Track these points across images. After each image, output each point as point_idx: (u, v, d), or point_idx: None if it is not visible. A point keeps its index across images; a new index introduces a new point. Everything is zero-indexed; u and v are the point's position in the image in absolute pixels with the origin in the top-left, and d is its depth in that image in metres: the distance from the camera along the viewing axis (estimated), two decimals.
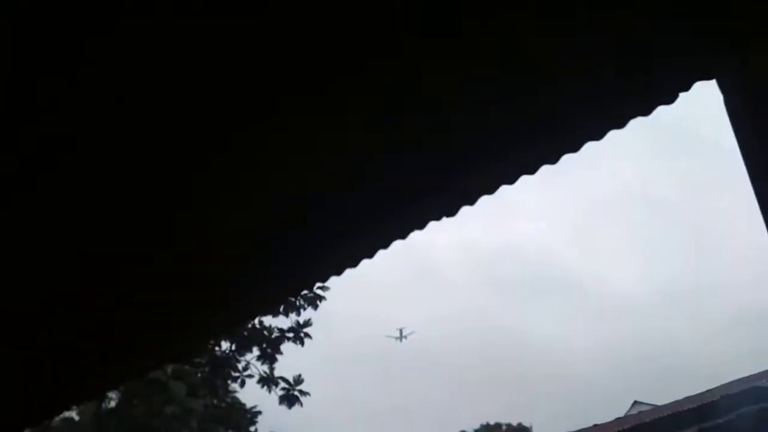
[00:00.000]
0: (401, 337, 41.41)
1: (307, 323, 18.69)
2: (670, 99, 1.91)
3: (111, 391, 14.19)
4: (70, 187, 2.11)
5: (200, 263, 2.55)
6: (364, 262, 2.75)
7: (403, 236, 2.64)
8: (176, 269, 2.56)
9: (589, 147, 2.22)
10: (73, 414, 16.43)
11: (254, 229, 2.45)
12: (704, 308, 69.82)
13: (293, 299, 18.44)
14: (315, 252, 2.62)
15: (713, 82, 1.79)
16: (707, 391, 14.11)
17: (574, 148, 2.15)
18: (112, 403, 16.50)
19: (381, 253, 2.70)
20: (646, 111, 1.96)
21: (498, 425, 41.88)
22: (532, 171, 2.31)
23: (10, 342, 2.58)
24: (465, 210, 2.55)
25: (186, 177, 2.21)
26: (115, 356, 2.67)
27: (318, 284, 18.44)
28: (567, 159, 2.29)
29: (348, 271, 2.80)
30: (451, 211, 2.51)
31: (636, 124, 2.08)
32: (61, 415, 16.17)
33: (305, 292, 18.54)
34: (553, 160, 2.22)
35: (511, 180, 2.38)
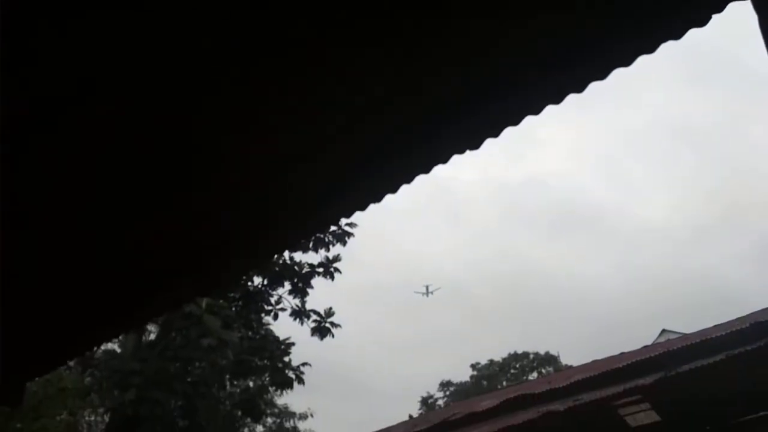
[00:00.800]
0: (428, 292, 44.44)
1: (337, 258, 19.00)
2: (702, 21, 1.81)
3: (150, 322, 14.73)
4: (98, 128, 2.13)
5: (226, 199, 2.58)
6: (388, 197, 2.75)
7: (427, 170, 2.63)
8: (205, 205, 2.60)
9: (619, 75, 2.14)
10: (115, 346, 17.18)
11: (278, 164, 2.46)
12: (734, 239, 68.93)
13: (322, 236, 18.68)
14: (339, 186, 2.63)
15: (748, 3, 1.68)
16: (736, 319, 14.09)
17: (601, 75, 2.08)
18: (152, 336, 17.19)
19: (405, 188, 2.69)
20: (677, 34, 1.86)
21: (525, 354, 42.66)
22: (557, 100, 2.25)
23: (53, 278, 2.68)
24: (490, 143, 2.51)
25: (210, 113, 2.21)
26: (152, 288, 2.76)
27: (345, 220, 18.63)
28: (595, 89, 2.21)
29: (372, 207, 2.82)
30: (475, 144, 2.48)
31: (668, 49, 1.99)
32: (103, 347, 16.91)
33: (333, 228, 18.73)
34: (580, 88, 2.15)
35: (536, 110, 2.32)
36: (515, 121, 2.39)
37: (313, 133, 2.34)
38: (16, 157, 2.12)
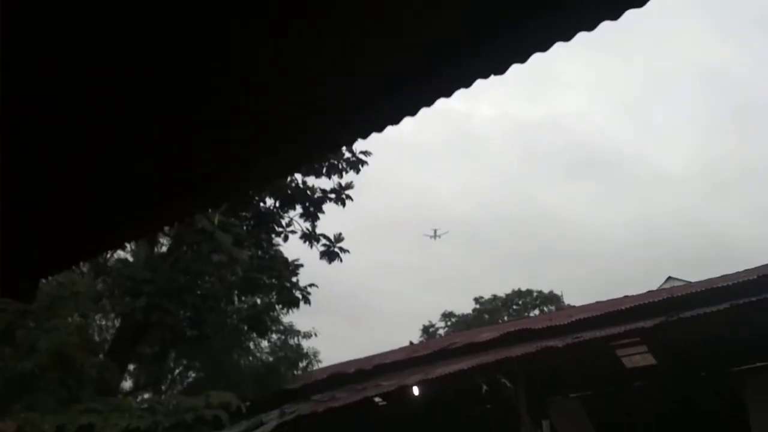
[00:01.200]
0: (435, 235, 46.83)
1: (349, 185, 18.97)
2: None
3: (161, 231, 14.94)
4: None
5: (242, 112, 2.53)
6: (408, 129, 2.70)
7: (448, 94, 2.55)
8: (219, 119, 2.56)
9: (637, 16, 2.02)
10: (128, 255, 17.58)
11: (296, 78, 2.39)
12: (750, 193, 68.11)
13: (336, 161, 18.62)
14: (358, 105, 2.57)
15: None
16: (744, 270, 14.08)
17: (614, 15, 1.98)
18: (164, 249, 17.53)
19: (423, 123, 2.63)
20: None
21: (529, 291, 43.20)
22: (566, 37, 2.16)
23: (64, 179, 2.68)
24: (511, 79, 2.43)
25: (226, 27, 2.13)
26: (165, 196, 2.76)
27: (359, 148, 18.49)
28: (620, 30, 2.11)
29: (389, 141, 2.76)
30: (500, 68, 2.39)
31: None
32: (116, 256, 17.29)
33: (347, 155, 18.65)
34: (590, 26, 2.06)
35: (567, 37, 2.23)
36: (543, 47, 2.30)
37: (344, 47, 2.26)
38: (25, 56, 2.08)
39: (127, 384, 19.45)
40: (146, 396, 19.17)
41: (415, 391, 15.48)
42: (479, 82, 2.49)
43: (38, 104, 2.32)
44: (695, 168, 77.84)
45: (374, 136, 2.87)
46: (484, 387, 17.10)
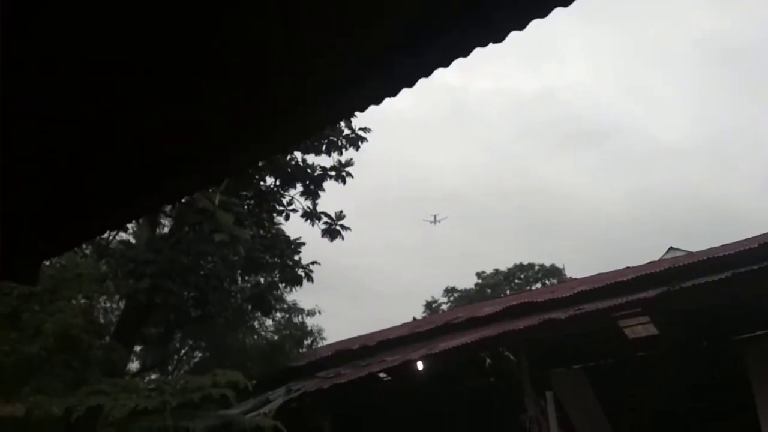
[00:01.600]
0: (435, 221, 48.37)
1: (349, 163, 18.89)
2: None
3: (160, 209, 14.92)
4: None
5: (235, 87, 2.50)
6: (405, 105, 2.66)
7: (446, 63, 2.51)
8: (210, 93, 2.53)
9: None
10: (130, 237, 17.62)
11: (291, 50, 2.36)
12: (751, 164, 67.89)
13: (335, 139, 18.53)
14: (354, 77, 2.53)
15: None
16: (745, 239, 14.07)
17: None
18: (165, 230, 17.54)
19: (419, 98, 2.60)
20: None
21: (531, 265, 43.34)
22: (565, 2, 2.12)
23: (60, 157, 2.66)
24: (507, 50, 2.39)
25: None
26: (161, 174, 2.74)
27: (358, 125, 18.40)
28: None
29: (387, 117, 2.73)
30: (499, 36, 2.35)
31: None
32: (118, 238, 17.34)
33: (347, 132, 18.56)
34: None
35: (543, 12, 2.20)
36: (543, 14, 2.26)
37: (339, 18, 2.22)
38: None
39: (133, 365, 19.64)
40: (153, 377, 19.35)
41: (419, 365, 15.61)
42: (477, 51, 2.46)
43: (35, 87, 2.30)
44: (696, 139, 77.53)
45: (372, 110, 2.84)
46: (488, 360, 17.24)
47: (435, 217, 48.67)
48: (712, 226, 45.11)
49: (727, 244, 14.44)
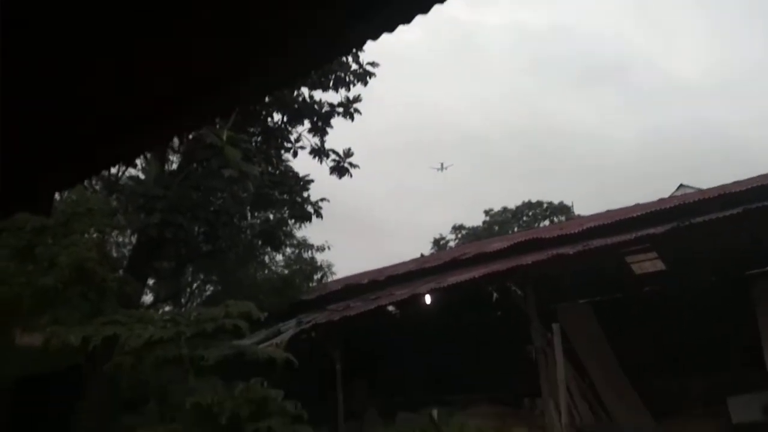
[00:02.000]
0: (442, 168, 50.03)
1: (357, 99, 18.61)
2: None
3: (168, 142, 14.87)
4: None
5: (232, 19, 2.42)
6: (415, 40, 2.57)
7: None
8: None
9: None
10: (139, 173, 17.65)
11: None
12: (764, 99, 66.41)
13: (342, 74, 18.21)
14: (366, 3, 2.44)
15: None
16: (757, 176, 13.93)
17: None
18: (174, 166, 17.53)
19: (427, 35, 2.49)
20: None
21: (539, 202, 43.23)
22: None
23: (65, 87, 2.62)
24: None
25: None
26: (165, 107, 2.70)
27: (366, 59, 18.01)
28: None
29: (395, 54, 2.64)
30: None
31: None
32: (128, 173, 17.39)
33: (354, 67, 18.22)
34: None
35: None
36: None
37: None
38: None
39: (147, 298, 20.04)
40: (167, 309, 19.78)
41: (427, 299, 15.86)
42: None
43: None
44: (711, 74, 75.66)
45: (381, 48, 2.75)
46: (495, 294, 17.46)
47: (442, 164, 50.42)
48: (723, 168, 44.49)
49: (738, 181, 14.31)
